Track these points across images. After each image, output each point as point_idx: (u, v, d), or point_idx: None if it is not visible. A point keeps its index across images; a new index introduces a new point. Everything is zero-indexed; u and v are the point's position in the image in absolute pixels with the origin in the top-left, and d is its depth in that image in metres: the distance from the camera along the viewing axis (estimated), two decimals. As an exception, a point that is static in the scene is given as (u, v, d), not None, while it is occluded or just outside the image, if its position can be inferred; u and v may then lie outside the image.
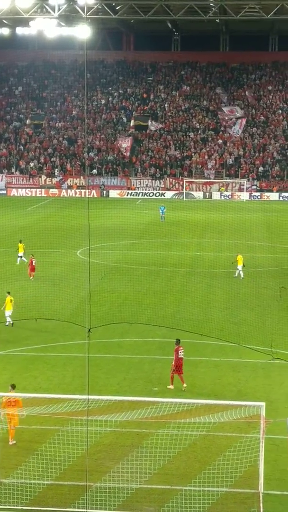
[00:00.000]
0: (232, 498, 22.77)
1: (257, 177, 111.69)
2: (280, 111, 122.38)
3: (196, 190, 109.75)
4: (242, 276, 53.72)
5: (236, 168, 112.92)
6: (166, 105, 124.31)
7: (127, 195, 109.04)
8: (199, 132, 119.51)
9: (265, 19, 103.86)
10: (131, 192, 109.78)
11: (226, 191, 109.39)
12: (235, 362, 35.69)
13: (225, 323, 42.16)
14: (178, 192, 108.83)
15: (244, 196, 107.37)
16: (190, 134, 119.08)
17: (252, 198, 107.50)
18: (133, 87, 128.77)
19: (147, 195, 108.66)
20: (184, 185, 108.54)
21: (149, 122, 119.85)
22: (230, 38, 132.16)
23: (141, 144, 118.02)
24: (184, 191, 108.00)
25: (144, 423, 26.20)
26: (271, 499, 22.72)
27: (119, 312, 43.51)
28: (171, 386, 31.88)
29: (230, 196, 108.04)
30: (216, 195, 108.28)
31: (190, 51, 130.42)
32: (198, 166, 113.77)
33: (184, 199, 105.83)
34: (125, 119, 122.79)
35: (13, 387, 27.26)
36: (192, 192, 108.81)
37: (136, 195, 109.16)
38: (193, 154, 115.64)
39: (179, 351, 32.11)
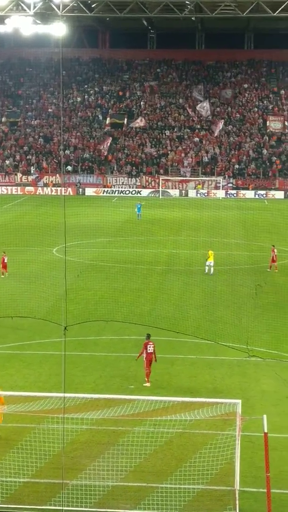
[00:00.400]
0: (208, 495, 22.82)
1: (233, 175, 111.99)
2: (256, 109, 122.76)
3: (172, 188, 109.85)
4: (211, 272, 54.18)
5: (212, 166, 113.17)
6: (142, 103, 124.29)
7: (103, 193, 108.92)
8: (175, 129, 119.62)
9: (241, 17, 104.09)
10: (107, 190, 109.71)
11: (202, 189, 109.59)
12: (211, 359, 35.78)
13: (201, 320, 42.24)
14: (154, 190, 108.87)
15: (220, 194, 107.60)
16: (166, 131, 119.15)
17: (228, 196, 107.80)
18: (108, 84, 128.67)
19: (123, 193, 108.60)
20: (160, 183, 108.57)
21: (124, 120, 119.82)
22: (206, 36, 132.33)
23: (117, 142, 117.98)
24: (160, 189, 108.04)
25: (120, 421, 26.19)
26: (247, 496, 22.81)
27: (95, 310, 43.46)
28: (147, 384, 32.00)
29: (206, 194, 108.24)
30: (192, 193, 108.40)
31: (166, 48, 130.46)
32: (174, 164, 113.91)
33: (160, 197, 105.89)
34: (101, 117, 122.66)
35: None
36: (168, 190, 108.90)
37: (112, 193, 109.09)
38: (169, 152, 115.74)
39: (148, 346, 32.18)
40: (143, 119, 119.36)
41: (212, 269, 54.50)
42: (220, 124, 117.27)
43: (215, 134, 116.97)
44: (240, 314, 43.56)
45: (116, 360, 35.49)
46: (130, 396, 26.45)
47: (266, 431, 21.98)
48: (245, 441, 24.93)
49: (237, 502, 22.18)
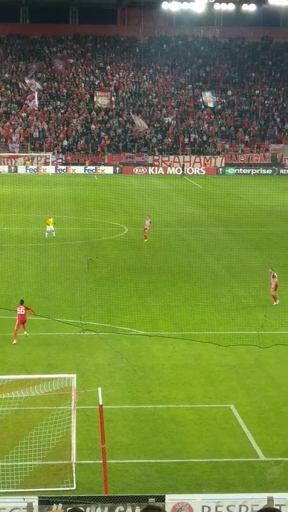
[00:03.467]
0: (45, 470, 23.00)
1: (62, 151, 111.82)
2: (83, 84, 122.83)
3: (1, 164, 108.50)
4: (54, 235, 57.98)
5: (41, 142, 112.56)
6: None
7: None
8: (2, 105, 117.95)
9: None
10: None
11: (32, 164, 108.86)
12: (46, 336, 35.87)
13: (34, 297, 42.10)
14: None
15: (50, 169, 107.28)
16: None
17: (58, 172, 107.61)
18: None
19: None
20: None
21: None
22: (30, 10, 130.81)
23: None
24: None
25: None
26: (83, 468, 23.15)
27: None
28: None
29: (36, 170, 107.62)
30: (21, 169, 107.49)
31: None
32: (2, 140, 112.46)
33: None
34: None
35: None
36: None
37: None
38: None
39: (18, 309, 34.98)
40: None
41: (46, 234, 58.01)
42: (35, 98, 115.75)
43: (32, 107, 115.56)
44: (73, 289, 43.83)
45: None
46: None
47: (101, 403, 22.34)
48: (80, 414, 25.26)
49: (74, 475, 22.47)
